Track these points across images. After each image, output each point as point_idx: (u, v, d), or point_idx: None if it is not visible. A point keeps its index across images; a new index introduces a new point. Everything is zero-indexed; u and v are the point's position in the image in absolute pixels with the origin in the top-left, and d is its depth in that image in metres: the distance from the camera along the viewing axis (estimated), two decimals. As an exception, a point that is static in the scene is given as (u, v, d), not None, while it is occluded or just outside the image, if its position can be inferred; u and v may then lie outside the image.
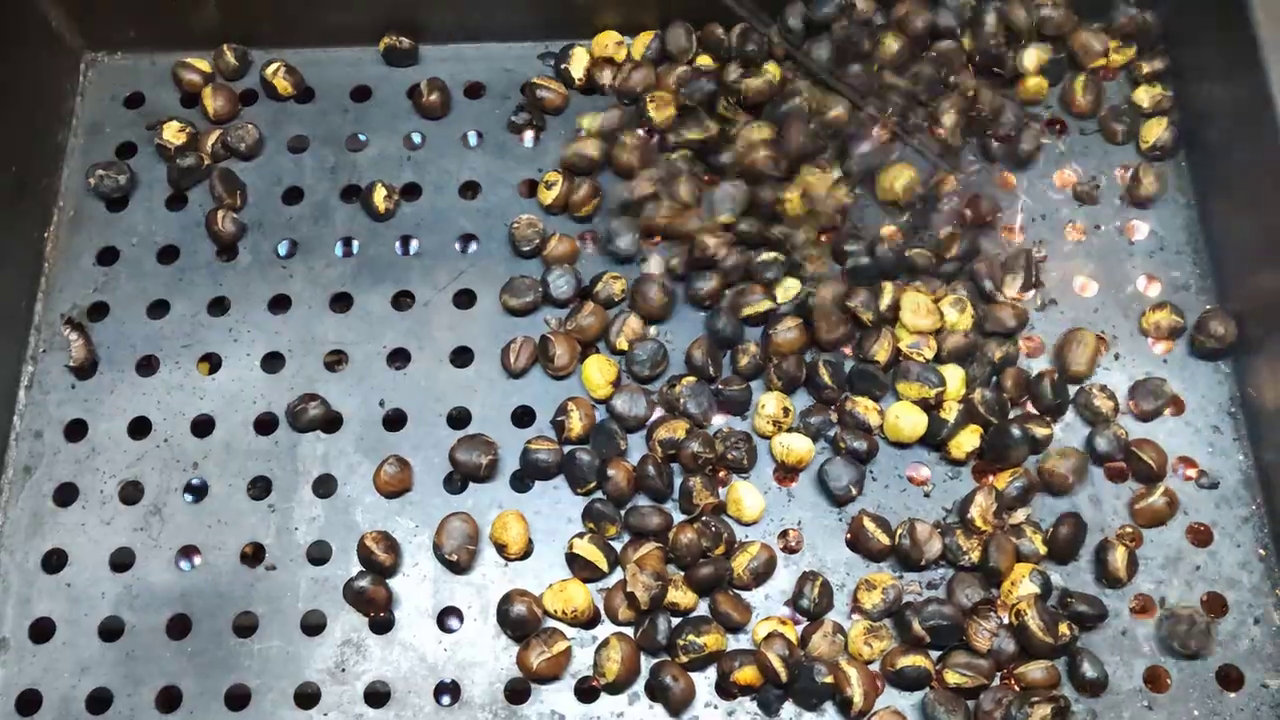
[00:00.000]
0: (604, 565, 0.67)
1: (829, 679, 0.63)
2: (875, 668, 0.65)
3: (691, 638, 0.64)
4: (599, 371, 0.71)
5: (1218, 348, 0.72)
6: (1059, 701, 0.62)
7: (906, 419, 0.69)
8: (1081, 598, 0.65)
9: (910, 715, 0.64)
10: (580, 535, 0.67)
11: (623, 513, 0.68)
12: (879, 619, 0.66)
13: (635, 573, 0.64)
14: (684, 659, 0.64)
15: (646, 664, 0.65)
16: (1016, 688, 0.64)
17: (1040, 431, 0.69)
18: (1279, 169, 0.69)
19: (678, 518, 0.68)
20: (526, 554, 0.68)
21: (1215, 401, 0.72)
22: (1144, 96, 0.79)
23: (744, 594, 0.67)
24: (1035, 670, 0.64)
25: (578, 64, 0.81)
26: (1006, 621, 0.65)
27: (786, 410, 0.70)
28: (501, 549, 0.68)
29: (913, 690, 0.65)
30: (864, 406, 0.70)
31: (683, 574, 0.66)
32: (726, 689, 0.65)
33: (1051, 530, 0.67)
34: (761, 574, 0.67)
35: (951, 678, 0.64)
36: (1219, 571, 0.67)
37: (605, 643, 0.65)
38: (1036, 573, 0.65)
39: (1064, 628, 0.64)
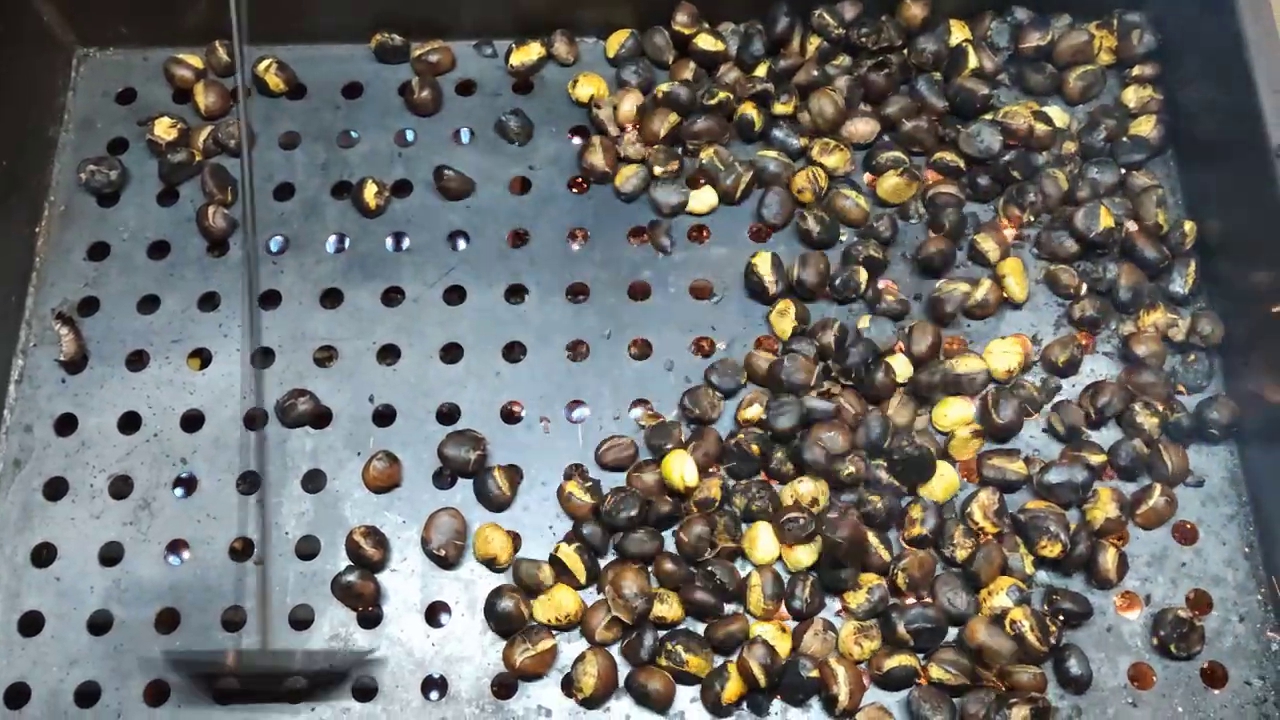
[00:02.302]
0: (582, 577, 0.66)
1: (814, 674, 0.63)
2: (866, 667, 0.65)
3: (679, 650, 0.64)
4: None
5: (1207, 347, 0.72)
6: (1037, 703, 0.62)
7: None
8: (1067, 595, 0.66)
9: (896, 712, 0.64)
10: (567, 540, 0.67)
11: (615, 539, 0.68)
12: (865, 618, 0.66)
13: (614, 596, 0.64)
14: (664, 664, 0.64)
15: (625, 670, 0.65)
16: (1001, 686, 0.64)
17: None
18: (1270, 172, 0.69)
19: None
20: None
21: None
22: (1132, 96, 0.79)
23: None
24: (1023, 674, 0.63)
25: (519, 58, 0.81)
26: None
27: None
28: (490, 562, 0.68)
29: (900, 689, 0.65)
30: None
31: (674, 591, 0.66)
32: (721, 711, 0.64)
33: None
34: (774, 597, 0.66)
35: (935, 672, 0.64)
36: (1204, 569, 0.68)
37: (581, 657, 0.64)
38: (1015, 587, 0.65)
39: (1052, 626, 0.64)
